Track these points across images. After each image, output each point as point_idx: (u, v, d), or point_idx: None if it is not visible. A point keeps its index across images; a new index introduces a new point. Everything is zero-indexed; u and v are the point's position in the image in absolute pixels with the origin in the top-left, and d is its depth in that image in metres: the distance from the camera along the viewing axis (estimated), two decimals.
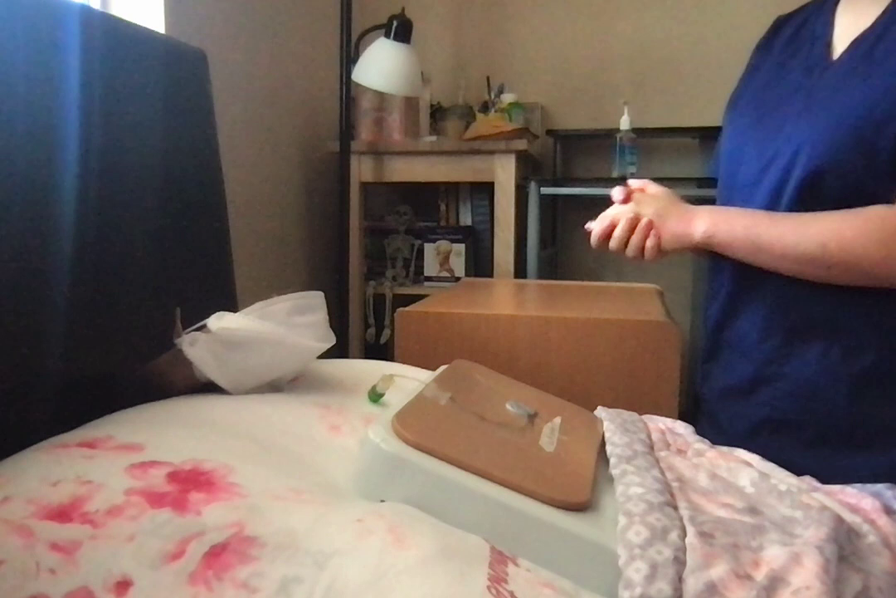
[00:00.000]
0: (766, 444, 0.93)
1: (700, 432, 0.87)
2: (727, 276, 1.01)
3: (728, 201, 1.03)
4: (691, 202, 1.03)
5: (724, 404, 1.03)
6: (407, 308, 1.41)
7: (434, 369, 0.90)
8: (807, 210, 0.90)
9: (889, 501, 0.69)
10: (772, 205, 0.94)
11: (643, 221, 0.98)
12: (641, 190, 1.05)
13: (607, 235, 1.01)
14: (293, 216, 2.17)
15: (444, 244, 2.29)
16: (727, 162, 1.04)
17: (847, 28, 0.94)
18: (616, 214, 1.01)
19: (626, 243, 0.99)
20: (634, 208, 1.01)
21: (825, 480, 0.75)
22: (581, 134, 2.55)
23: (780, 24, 1.06)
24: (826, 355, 0.90)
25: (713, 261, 1.07)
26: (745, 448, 0.81)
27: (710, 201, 1.13)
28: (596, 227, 1.02)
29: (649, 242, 0.98)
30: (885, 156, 0.84)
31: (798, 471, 0.75)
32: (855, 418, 0.89)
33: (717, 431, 1.01)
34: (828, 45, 0.95)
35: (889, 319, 0.88)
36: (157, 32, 1.21)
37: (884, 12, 0.90)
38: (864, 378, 0.88)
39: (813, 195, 0.90)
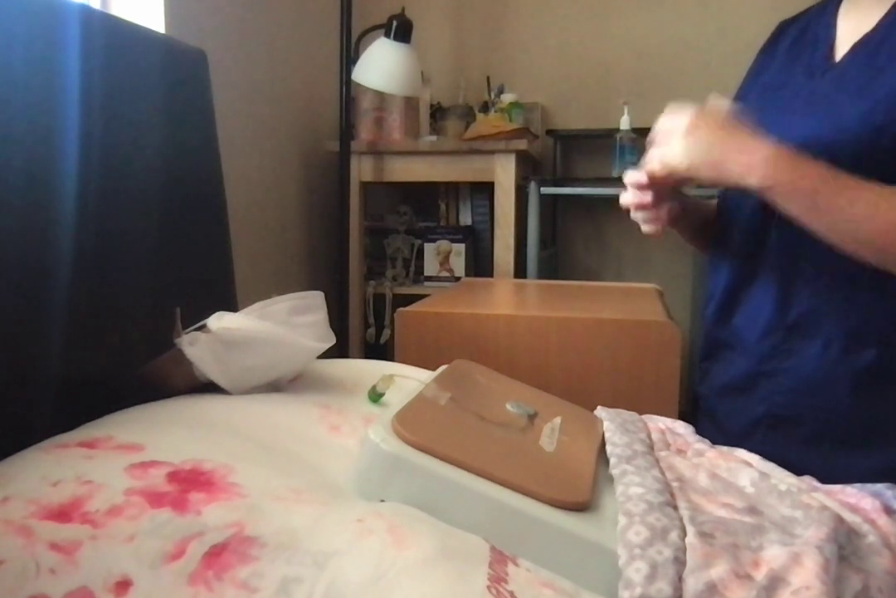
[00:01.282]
0: (763, 441, 0.93)
1: (699, 431, 0.87)
2: (726, 273, 1.01)
3: (728, 201, 1.03)
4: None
5: (723, 401, 1.03)
6: (407, 308, 1.41)
7: (434, 369, 0.90)
8: None
9: (889, 501, 0.69)
10: (769, 208, 0.94)
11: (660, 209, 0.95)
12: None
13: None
14: (293, 216, 2.17)
15: (444, 244, 2.29)
16: None
17: (849, 31, 0.93)
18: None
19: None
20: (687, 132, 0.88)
21: (824, 478, 0.75)
22: (581, 134, 2.55)
23: (783, 28, 1.06)
24: (826, 352, 0.90)
25: (712, 259, 1.07)
26: (743, 445, 0.81)
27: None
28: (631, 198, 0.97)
29: (649, 229, 0.96)
30: (885, 160, 0.84)
31: (797, 469, 0.75)
32: (855, 415, 0.89)
33: (716, 429, 1.01)
34: (830, 47, 0.95)
35: (891, 315, 0.88)
36: (157, 32, 1.21)
37: (886, 15, 0.90)
38: (866, 375, 0.88)
39: None
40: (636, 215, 0.99)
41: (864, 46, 0.90)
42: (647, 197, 0.94)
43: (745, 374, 0.98)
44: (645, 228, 1.00)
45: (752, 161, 0.82)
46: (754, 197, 0.96)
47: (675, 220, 1.00)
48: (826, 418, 0.91)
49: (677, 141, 0.87)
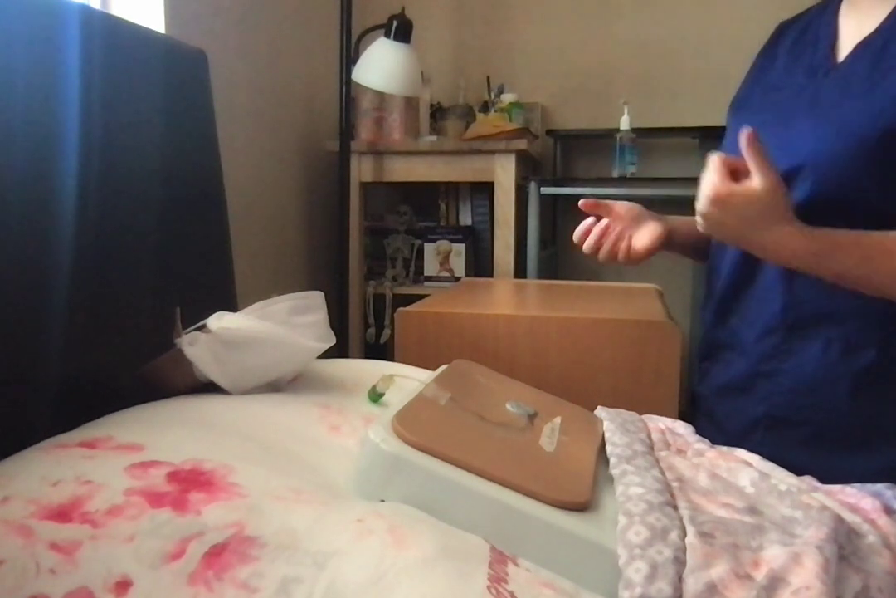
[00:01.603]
0: (763, 441, 0.93)
1: (698, 431, 0.87)
2: (725, 274, 1.01)
3: None
4: (690, 202, 1.03)
5: (722, 401, 1.03)
6: (407, 308, 1.41)
7: (434, 369, 0.90)
8: (808, 215, 0.90)
9: (889, 501, 0.69)
10: None
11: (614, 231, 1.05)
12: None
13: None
14: (293, 216, 2.17)
15: (444, 244, 2.29)
16: None
17: (851, 31, 0.93)
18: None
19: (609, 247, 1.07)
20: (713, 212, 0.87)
21: (823, 479, 0.75)
22: (581, 134, 2.55)
23: (783, 29, 1.06)
24: (826, 352, 0.90)
25: (711, 260, 1.07)
26: (742, 446, 0.81)
27: None
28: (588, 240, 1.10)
29: (620, 255, 1.05)
30: (889, 164, 0.84)
31: (796, 469, 0.75)
32: (854, 416, 0.89)
33: (714, 429, 1.01)
34: (831, 47, 0.94)
35: (891, 316, 0.88)
36: (157, 32, 1.21)
37: (889, 16, 0.89)
38: (865, 376, 0.88)
39: (816, 201, 0.89)
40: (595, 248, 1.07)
41: (867, 47, 0.90)
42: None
43: (745, 374, 0.98)
44: (610, 258, 1.06)
45: (762, 254, 0.89)
46: None
47: (659, 246, 1.05)
48: (826, 419, 0.91)
49: (703, 205, 0.88)
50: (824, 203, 0.88)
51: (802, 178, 0.89)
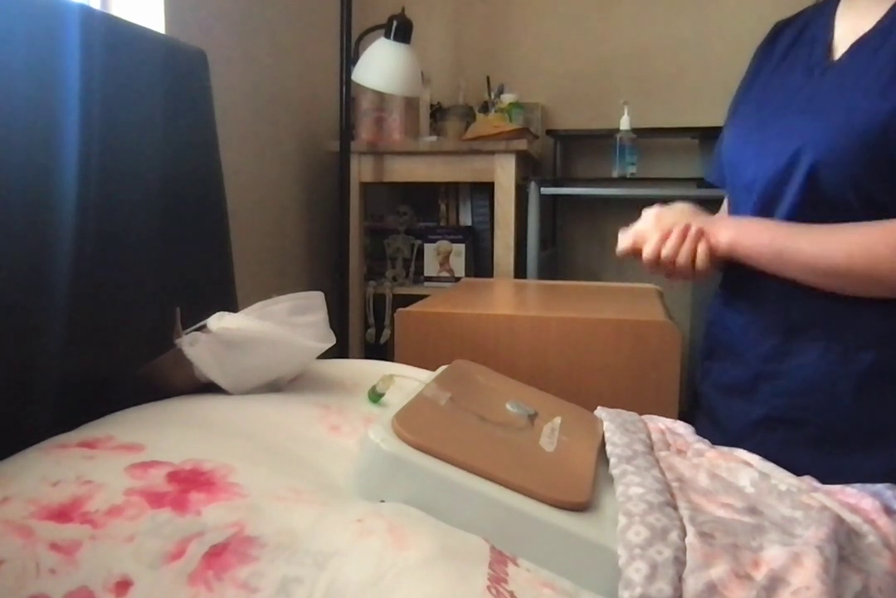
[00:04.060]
0: (763, 442, 0.93)
1: (698, 429, 0.87)
2: (728, 274, 1.02)
3: (733, 202, 1.04)
4: (691, 202, 1.03)
5: (724, 401, 1.03)
6: (407, 308, 1.41)
7: (434, 369, 0.90)
8: (807, 211, 0.90)
9: (889, 501, 0.69)
10: (771, 205, 0.94)
11: (693, 229, 0.94)
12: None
13: (657, 252, 0.96)
14: (293, 216, 2.17)
15: (444, 244, 2.29)
16: (730, 164, 1.04)
17: (847, 31, 0.94)
18: (665, 228, 0.96)
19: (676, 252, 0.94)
20: (656, 224, 0.97)
21: (824, 479, 0.75)
22: (581, 134, 2.55)
23: (779, 29, 1.06)
24: (825, 354, 0.90)
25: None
26: (742, 446, 0.81)
27: (710, 201, 1.13)
28: (649, 247, 0.97)
29: (701, 247, 0.93)
30: (888, 158, 0.84)
31: (796, 470, 0.75)
32: (855, 417, 0.89)
33: (715, 428, 1.01)
34: (828, 46, 0.95)
35: (890, 318, 0.88)
36: (157, 32, 1.21)
37: (886, 15, 0.90)
38: (865, 377, 0.88)
39: (814, 195, 0.90)
40: (659, 269, 0.98)
41: (865, 45, 0.91)
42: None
43: (746, 376, 0.98)
44: (675, 278, 0.98)
45: (718, 225, 0.95)
46: (755, 201, 0.96)
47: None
48: (826, 420, 0.91)
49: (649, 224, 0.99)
50: (822, 200, 0.89)
51: (801, 164, 0.90)
